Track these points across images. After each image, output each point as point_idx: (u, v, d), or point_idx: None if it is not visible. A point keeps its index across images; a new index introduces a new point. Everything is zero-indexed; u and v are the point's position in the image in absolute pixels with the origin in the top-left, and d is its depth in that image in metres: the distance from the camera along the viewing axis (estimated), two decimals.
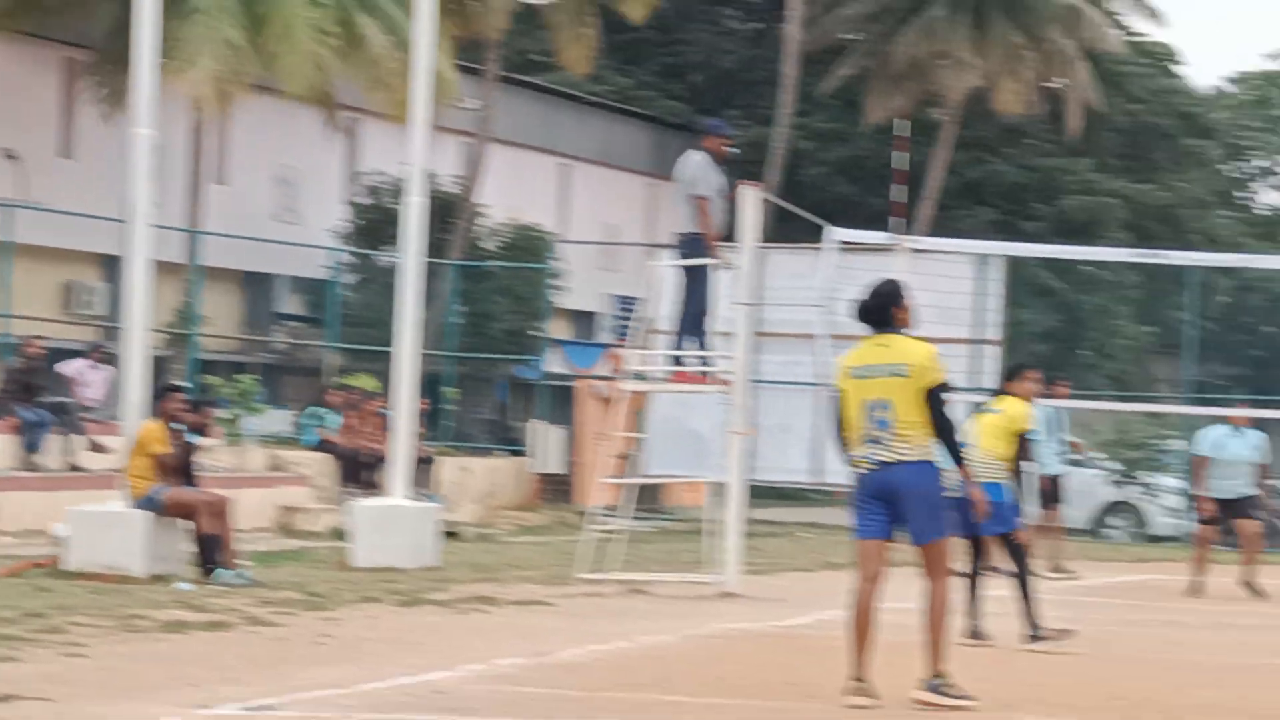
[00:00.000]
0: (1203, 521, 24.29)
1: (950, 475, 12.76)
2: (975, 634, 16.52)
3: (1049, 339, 48.18)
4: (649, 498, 34.90)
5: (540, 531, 30.84)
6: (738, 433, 22.08)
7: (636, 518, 27.76)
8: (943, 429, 12.27)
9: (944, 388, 12.39)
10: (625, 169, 52.44)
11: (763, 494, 37.92)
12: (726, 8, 61.18)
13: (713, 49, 58.64)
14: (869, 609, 12.17)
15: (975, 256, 36.28)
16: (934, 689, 12.14)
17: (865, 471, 12.32)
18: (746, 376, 22.45)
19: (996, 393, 17.79)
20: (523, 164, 47.73)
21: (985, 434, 15.86)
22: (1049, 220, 52.88)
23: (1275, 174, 75.59)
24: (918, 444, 12.13)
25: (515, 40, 46.40)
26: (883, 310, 12.48)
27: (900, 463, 12.12)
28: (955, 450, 12.62)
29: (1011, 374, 17.99)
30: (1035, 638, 16.35)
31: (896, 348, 12.29)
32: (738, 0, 60.63)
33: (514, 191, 46.19)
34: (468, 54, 40.82)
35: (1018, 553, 16.98)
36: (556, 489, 36.80)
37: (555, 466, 37.22)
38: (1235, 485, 23.70)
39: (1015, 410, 16.87)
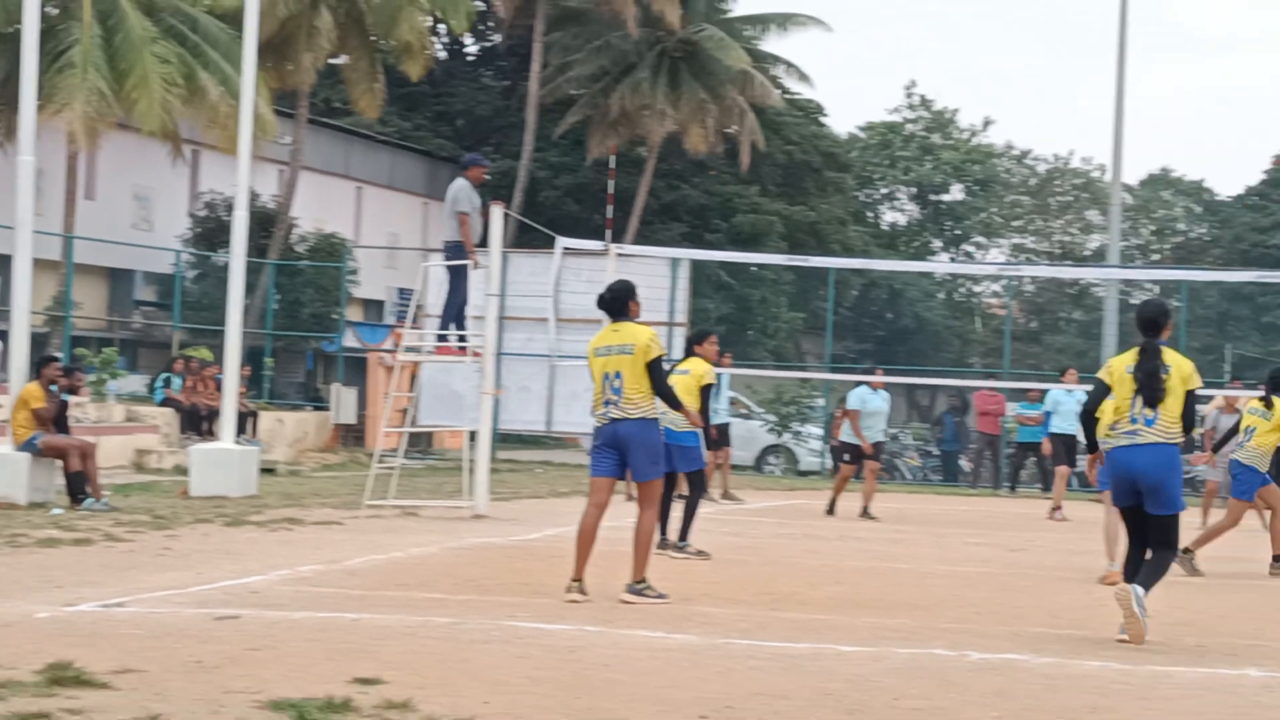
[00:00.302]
0: (846, 461, 24.50)
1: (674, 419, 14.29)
2: (670, 546, 16.69)
3: (723, 322, 48.41)
4: (421, 443, 34.99)
5: (337, 469, 30.70)
6: (487, 393, 22.14)
7: (411, 458, 27.77)
8: (661, 390, 12.93)
9: (660, 360, 12.92)
10: (405, 191, 52.43)
11: (508, 439, 38.15)
12: (483, 68, 61.26)
13: (472, 100, 58.54)
14: (592, 528, 12.88)
15: (669, 260, 36.55)
16: (637, 591, 12.81)
17: (602, 425, 12.99)
18: (493, 350, 22.64)
19: (684, 358, 17.96)
20: (326, 186, 47.48)
21: (679, 391, 16.11)
22: (725, 233, 53.24)
23: (895, 199, 76.59)
24: (642, 405, 12.81)
25: (320, 90, 46.17)
26: (619, 304, 13.15)
27: (627, 419, 12.80)
28: (674, 402, 13.31)
29: (699, 338, 17.98)
30: (680, 549, 16.53)
31: (626, 332, 12.91)
32: (491, 63, 60.68)
33: (319, 207, 46.00)
34: (283, 101, 40.63)
35: (698, 484, 17.22)
36: (351, 436, 36.72)
37: (349, 418, 37.10)
38: (873, 433, 24.06)
39: (699, 368, 16.92)
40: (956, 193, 77.14)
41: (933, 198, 76.60)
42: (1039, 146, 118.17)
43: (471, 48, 61.92)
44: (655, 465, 13.12)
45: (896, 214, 77.16)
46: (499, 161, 50.73)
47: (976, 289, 75.32)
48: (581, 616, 11.54)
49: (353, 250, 43.86)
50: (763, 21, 53.49)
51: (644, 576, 12.95)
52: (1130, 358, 11.88)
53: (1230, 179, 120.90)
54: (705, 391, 16.89)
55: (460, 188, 21.21)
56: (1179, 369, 11.70)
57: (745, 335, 51.48)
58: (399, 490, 21.45)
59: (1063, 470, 26.04)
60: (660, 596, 12.79)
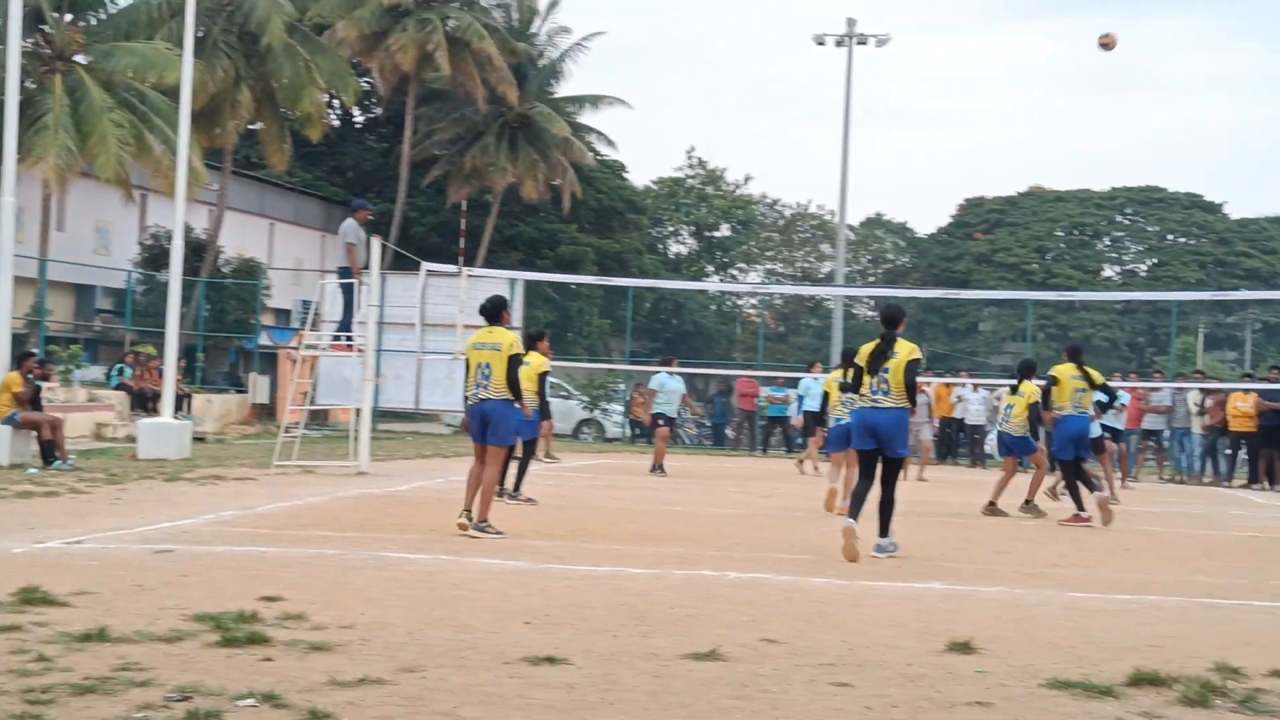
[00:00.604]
0: (661, 426, 24.56)
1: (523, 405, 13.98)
2: (516, 497, 16.73)
3: (550, 326, 48.30)
4: (319, 418, 34.64)
5: (253, 438, 30.26)
6: (369, 380, 21.98)
7: (310, 429, 27.42)
8: (513, 382, 13.16)
9: (519, 358, 13.30)
10: (308, 227, 51.89)
11: (385, 415, 37.85)
12: (367, 133, 60.67)
13: (359, 157, 58.04)
14: (477, 475, 13.19)
15: (508, 279, 36.54)
16: (480, 529, 12.83)
17: (474, 403, 13.25)
18: (374, 348, 22.46)
19: (526, 352, 17.84)
20: (245, 223, 46.96)
21: (522, 376, 16.14)
22: (551, 259, 53.23)
23: (678, 235, 76.97)
24: (502, 390, 13.12)
25: (241, 149, 45.56)
26: (495, 312, 13.56)
27: (492, 399, 13.13)
28: (518, 392, 13.36)
29: (538, 337, 17.93)
30: (513, 497, 16.56)
31: (497, 334, 13.31)
32: (374, 129, 60.15)
33: (240, 238, 45.56)
34: (213, 156, 40.06)
35: (530, 449, 17.21)
36: (264, 412, 36.27)
37: (263, 399, 36.83)
38: (670, 408, 24.20)
39: (538, 360, 16.95)
40: (724, 230, 77.70)
41: (707, 234, 77.04)
42: (785, 195, 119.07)
43: (359, 117, 61.25)
44: (509, 435, 13.41)
45: (680, 246, 77.45)
46: (380, 205, 50.22)
47: (739, 302, 75.93)
48: (437, 548, 11.49)
49: (266, 271, 43.60)
50: (580, 101, 53.76)
51: (486, 517, 12.98)
52: (872, 345, 12.46)
53: (927, 221, 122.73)
54: (542, 378, 17.01)
55: (349, 225, 21.28)
56: (904, 349, 12.25)
57: (566, 336, 51.52)
58: (300, 454, 21.21)
59: (814, 440, 26.46)
60: (498, 534, 12.78)
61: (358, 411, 22.04)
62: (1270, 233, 76.86)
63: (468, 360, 13.43)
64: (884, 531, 12.35)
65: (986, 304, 68.82)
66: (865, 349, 12.52)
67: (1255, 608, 9.90)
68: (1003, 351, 68.73)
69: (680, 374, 26.18)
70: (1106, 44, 20.90)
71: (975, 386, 33.67)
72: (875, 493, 12.24)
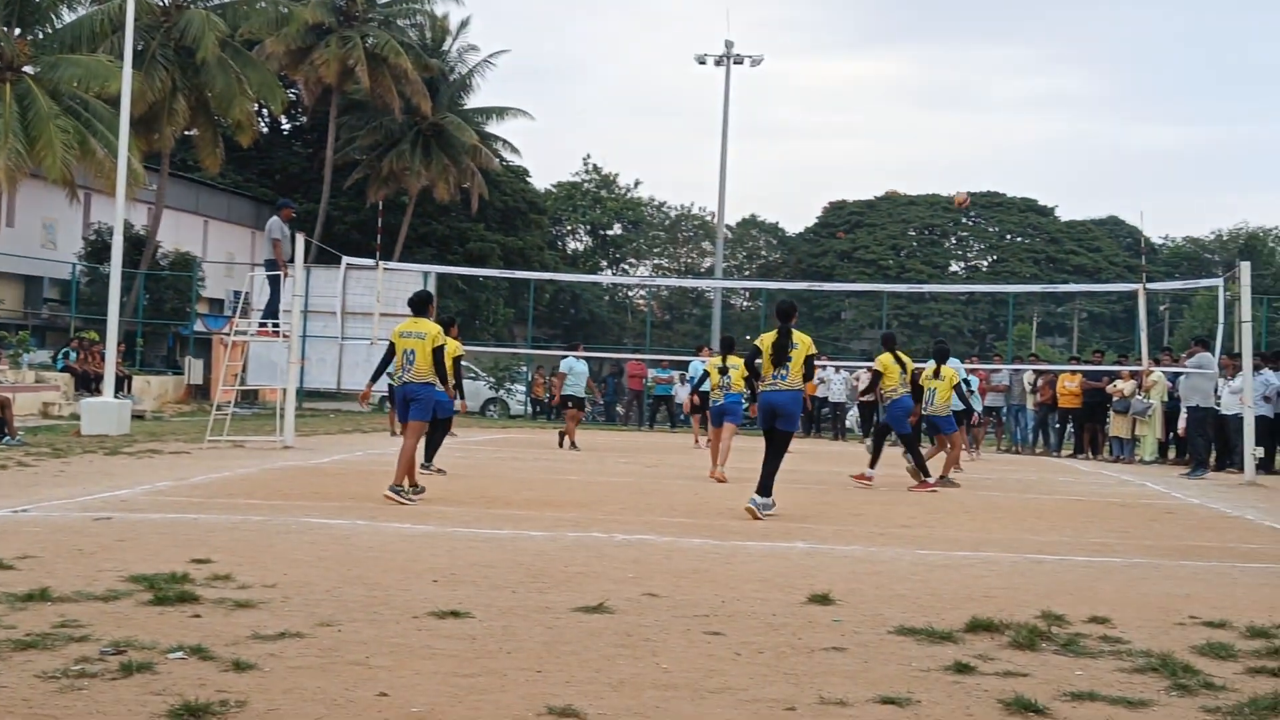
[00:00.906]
0: (569, 408, 24.20)
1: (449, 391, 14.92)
2: (430, 468, 16.52)
3: (460, 315, 48.14)
4: (249, 397, 34.22)
5: (188, 415, 29.77)
6: (294, 363, 21.76)
7: (240, 408, 27.09)
8: (439, 368, 13.31)
9: (441, 348, 13.33)
10: (239, 224, 51.42)
11: (310, 394, 37.53)
12: (294, 139, 60.05)
13: (286, 161, 57.40)
14: (411, 449, 13.20)
15: (421, 272, 36.35)
16: (396, 492, 12.83)
17: (399, 385, 13.38)
18: (299, 334, 22.17)
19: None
20: (181, 220, 46.43)
21: (421, 352, 16.02)
22: (461, 255, 52.92)
23: (576, 233, 76.84)
24: (425, 375, 13.25)
25: (178, 152, 44.78)
26: (422, 305, 13.54)
27: (414, 382, 13.24)
28: (444, 378, 13.75)
29: (448, 324, 17.14)
30: (425, 467, 16.39)
31: (423, 325, 13.35)
32: (300, 136, 59.54)
33: (177, 235, 45.03)
34: (151, 160, 39.51)
35: (444, 427, 17.03)
36: (199, 392, 35.74)
37: (198, 380, 36.31)
38: (577, 389, 24.02)
39: (451, 345, 16.59)
40: (617, 229, 77.72)
41: (601, 233, 77.02)
42: (671, 198, 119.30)
43: (286, 125, 60.56)
44: (426, 412, 13.44)
45: (577, 243, 77.34)
46: (305, 204, 49.90)
47: (629, 293, 75.95)
48: (355, 514, 11.38)
49: (201, 264, 43.04)
50: (487, 112, 53.64)
51: (401, 483, 12.94)
52: (773, 335, 12.96)
53: (796, 221, 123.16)
54: (456, 361, 16.76)
55: (274, 223, 21.05)
56: (803, 342, 13.00)
57: (474, 324, 51.32)
58: (231, 430, 20.95)
59: (696, 417, 26.58)
60: (412, 500, 12.78)
61: (284, 391, 21.78)
62: (1095, 233, 78.32)
63: (393, 346, 13.50)
64: (765, 491, 12.67)
65: (848, 295, 69.42)
66: (767, 339, 13.01)
67: (1077, 562, 10.07)
68: (862, 337, 69.39)
69: (586, 358, 26.08)
70: (961, 204, 21.60)
71: (837, 369, 33.94)
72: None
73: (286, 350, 22.06)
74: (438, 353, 13.29)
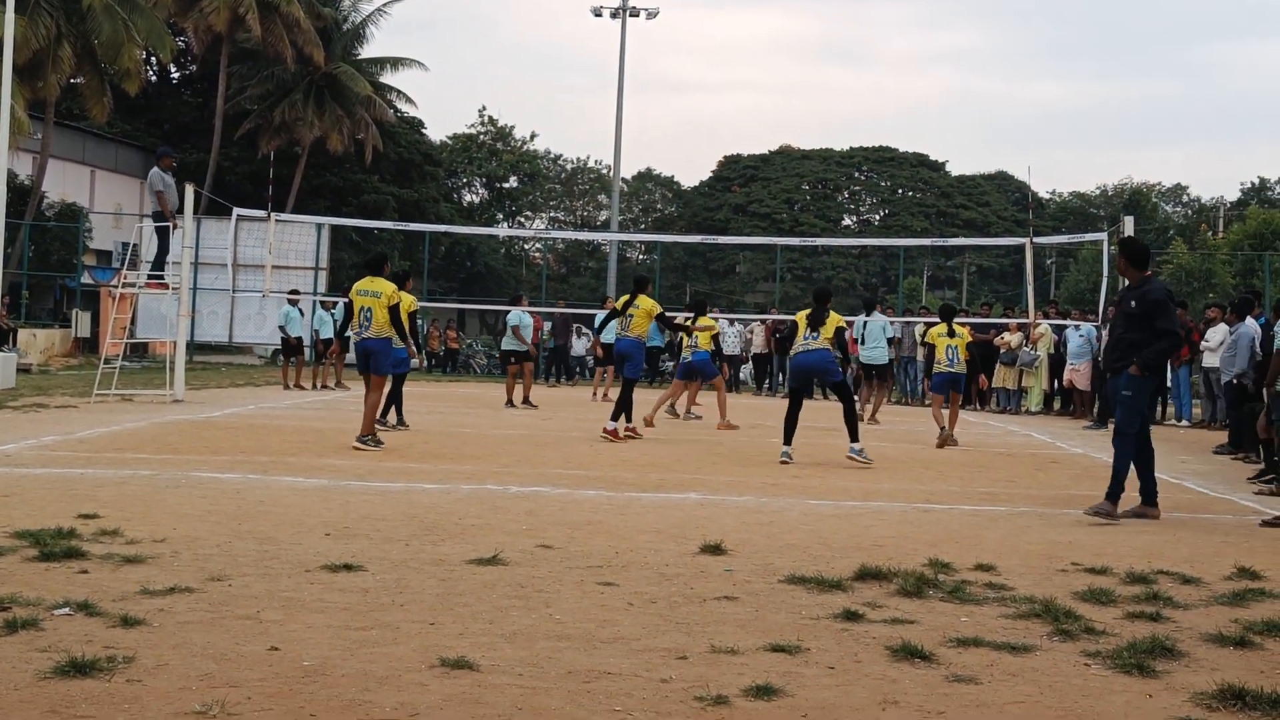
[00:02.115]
0: (513, 363, 23.49)
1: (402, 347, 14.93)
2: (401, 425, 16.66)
3: (354, 269, 47.72)
4: (139, 351, 33.65)
5: (76, 369, 29.15)
6: (183, 315, 21.42)
7: (130, 361, 26.62)
8: (396, 323, 13.99)
9: (397, 305, 13.95)
10: (127, 174, 50.44)
11: (201, 348, 36.98)
12: (183, 88, 58.84)
13: (176, 110, 56.29)
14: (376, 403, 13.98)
15: (314, 225, 36.01)
16: (364, 442, 13.41)
17: (357, 341, 14.08)
18: (188, 285, 21.73)
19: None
20: (68, 170, 45.48)
21: (378, 310, 16.15)
22: (356, 207, 52.32)
23: (471, 185, 76.26)
24: (383, 330, 13.91)
25: (64, 101, 43.63)
26: (377, 265, 14.29)
27: (370, 338, 13.94)
28: (403, 334, 14.32)
29: (404, 277, 16.80)
30: (398, 425, 16.64)
31: (378, 284, 14.03)
32: (190, 85, 58.40)
33: (64, 185, 44.11)
34: (36, 108, 38.43)
35: (399, 383, 16.82)
36: (86, 346, 35.08)
37: (85, 333, 35.66)
38: (520, 345, 23.31)
39: (407, 300, 16.26)
40: (513, 182, 77.27)
41: (497, 185, 76.51)
42: (567, 151, 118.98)
43: (175, 74, 59.27)
44: (386, 366, 14.22)
45: (472, 196, 76.77)
46: (194, 155, 49.13)
47: (525, 246, 75.61)
48: (246, 468, 11.24)
49: (88, 215, 42.16)
50: (381, 62, 53.19)
51: (368, 433, 13.60)
52: (808, 312, 14.21)
53: (691, 175, 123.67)
54: (411, 316, 16.76)
55: (155, 174, 20.69)
56: (833, 318, 14.11)
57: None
58: (120, 384, 20.56)
59: (600, 369, 26.50)
60: (377, 447, 13.39)
61: (174, 344, 21.44)
62: (984, 188, 79.31)
63: (351, 303, 14.17)
64: (854, 437, 13.93)
65: (742, 248, 69.73)
66: (803, 315, 14.27)
67: (963, 511, 10.23)
68: (756, 290, 69.80)
69: (530, 311, 25.50)
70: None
71: (731, 321, 34.08)
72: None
73: (176, 303, 21.68)
74: (394, 309, 13.86)
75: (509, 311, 24.59)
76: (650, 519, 9.16)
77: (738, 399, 29.61)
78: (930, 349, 17.29)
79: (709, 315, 21.30)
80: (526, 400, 22.89)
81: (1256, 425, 12.69)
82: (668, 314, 17.54)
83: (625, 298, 16.96)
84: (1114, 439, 10.08)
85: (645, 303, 16.50)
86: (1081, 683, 5.13)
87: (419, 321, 17.69)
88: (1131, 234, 20.47)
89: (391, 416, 16.68)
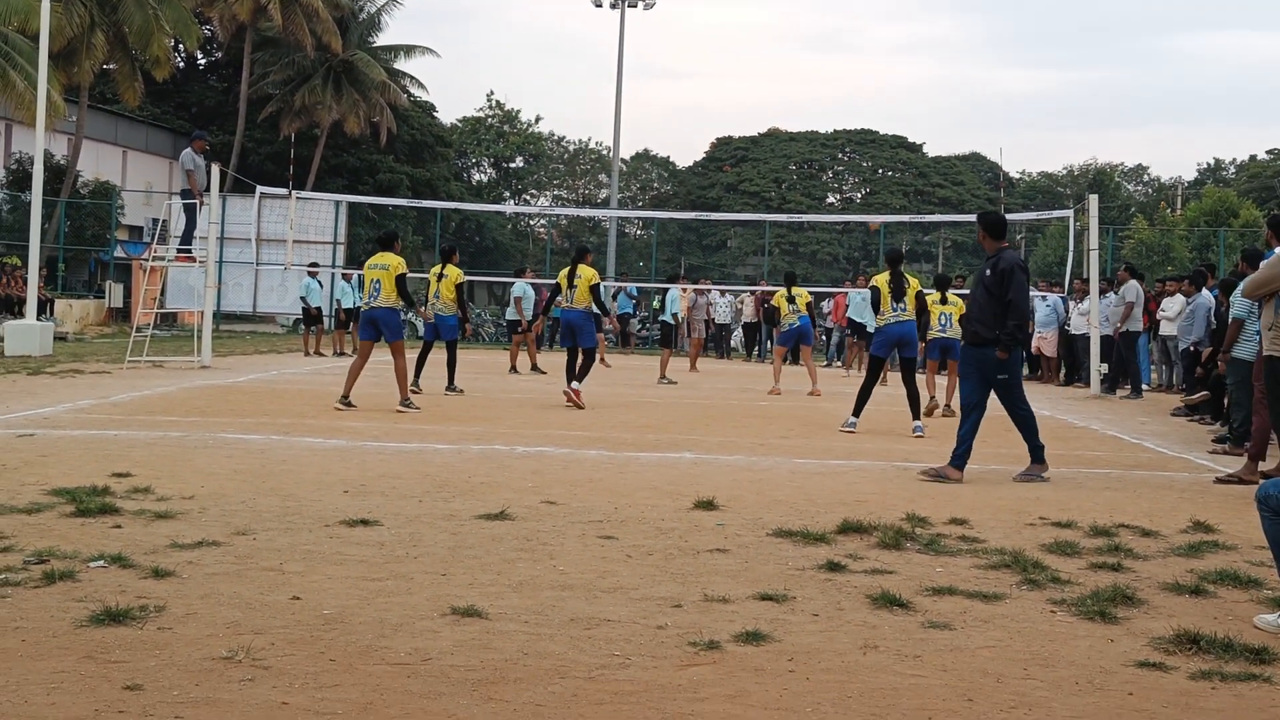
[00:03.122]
0: (520, 332, 23.15)
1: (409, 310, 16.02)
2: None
3: (371, 242, 47.63)
4: (168, 320, 33.57)
5: (109, 338, 29.10)
6: (210, 286, 21.37)
7: (160, 330, 26.56)
8: (403, 293, 13.88)
9: (405, 277, 13.89)
10: (157, 154, 50.34)
11: (227, 317, 36.94)
12: (210, 74, 58.51)
13: (203, 95, 55.99)
14: (359, 369, 14.03)
15: (333, 202, 35.90)
16: (405, 405, 13.56)
17: (365, 310, 14.03)
18: (215, 259, 21.72)
19: (443, 265, 16.91)
20: (101, 151, 45.33)
21: (443, 289, 16.50)
22: (372, 185, 52.11)
23: (480, 165, 75.99)
24: (390, 301, 13.85)
25: (98, 85, 43.44)
26: (388, 241, 14.28)
27: (380, 307, 13.87)
28: (410, 302, 14.58)
29: (450, 252, 17.09)
30: (450, 388, 16.82)
31: (387, 258, 13.96)
32: (215, 71, 58.08)
33: (97, 165, 43.92)
34: (71, 92, 38.26)
35: (453, 349, 17.21)
36: (120, 315, 35.03)
37: (118, 304, 35.60)
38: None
39: (454, 273, 16.75)
40: (519, 162, 76.99)
41: (504, 165, 76.24)
42: (570, 133, 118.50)
43: (202, 60, 58.94)
44: (399, 333, 14.12)
45: (481, 175, 76.50)
46: (220, 136, 48.93)
47: (531, 222, 75.49)
48: (269, 430, 11.23)
49: (120, 193, 42.04)
50: (395, 50, 52.96)
51: (407, 397, 13.82)
52: (887, 275, 13.69)
53: (685, 156, 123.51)
54: (459, 287, 16.93)
55: (186, 154, 20.68)
56: (912, 282, 13.71)
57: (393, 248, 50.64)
58: (151, 351, 20.52)
59: (529, 337, 26.12)
60: (416, 408, 13.62)
61: (201, 314, 21.39)
62: (959, 168, 79.08)
63: (363, 277, 14.18)
64: (916, 415, 13.39)
65: (733, 224, 69.53)
66: (883, 278, 13.69)
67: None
68: (746, 263, 69.63)
69: (532, 283, 25.22)
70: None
71: (722, 293, 34.03)
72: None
73: (203, 275, 21.61)
74: (400, 280, 13.79)
75: (514, 284, 24.55)
76: (647, 477, 9.16)
77: (729, 364, 29.63)
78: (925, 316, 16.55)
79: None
80: (535, 367, 22.66)
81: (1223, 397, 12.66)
82: (601, 286, 16.13)
83: (567, 270, 15.90)
84: (968, 415, 9.73)
85: (586, 272, 15.67)
86: (1048, 628, 5.14)
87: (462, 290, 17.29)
88: (1095, 211, 20.43)
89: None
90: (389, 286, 13.83)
